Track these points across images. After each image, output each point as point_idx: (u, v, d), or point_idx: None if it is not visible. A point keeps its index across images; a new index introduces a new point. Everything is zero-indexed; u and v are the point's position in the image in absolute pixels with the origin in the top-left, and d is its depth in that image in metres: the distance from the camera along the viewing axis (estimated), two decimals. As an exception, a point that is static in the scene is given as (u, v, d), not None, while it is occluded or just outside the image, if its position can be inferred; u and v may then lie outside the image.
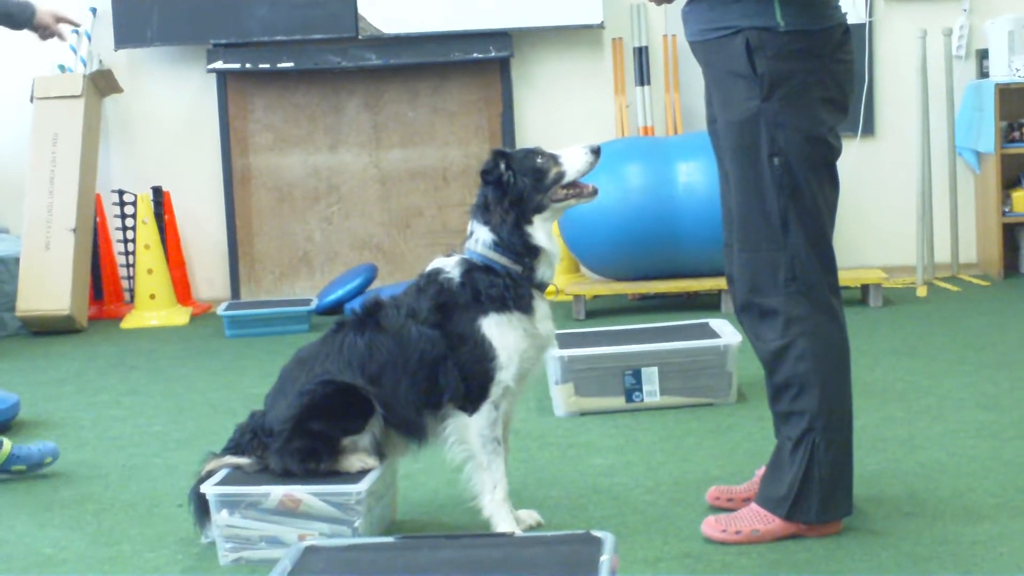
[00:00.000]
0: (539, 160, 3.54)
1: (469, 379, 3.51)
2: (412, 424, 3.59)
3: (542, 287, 3.58)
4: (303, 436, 3.53)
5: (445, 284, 3.55)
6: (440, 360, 3.52)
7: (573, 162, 3.55)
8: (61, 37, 5.17)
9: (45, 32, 5.06)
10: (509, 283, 3.50)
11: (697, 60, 3.52)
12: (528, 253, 3.52)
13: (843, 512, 3.48)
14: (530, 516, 3.71)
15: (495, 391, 3.53)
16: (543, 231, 3.54)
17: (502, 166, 3.53)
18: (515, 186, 3.50)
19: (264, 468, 3.60)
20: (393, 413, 3.56)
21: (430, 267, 3.63)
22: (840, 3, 3.45)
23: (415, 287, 3.61)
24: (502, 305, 3.50)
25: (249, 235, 8.37)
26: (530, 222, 3.52)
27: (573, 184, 3.56)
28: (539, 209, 3.53)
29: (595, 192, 3.61)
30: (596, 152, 3.56)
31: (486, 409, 3.53)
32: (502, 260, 3.51)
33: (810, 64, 3.33)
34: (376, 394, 3.53)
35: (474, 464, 3.56)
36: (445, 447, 3.60)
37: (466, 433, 3.54)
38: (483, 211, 3.56)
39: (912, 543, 3.39)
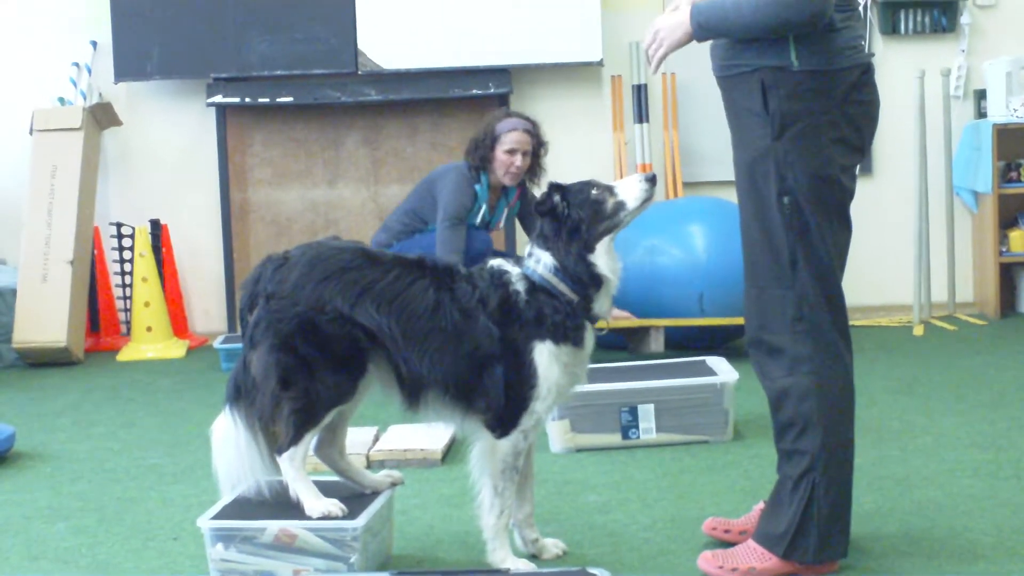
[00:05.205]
0: (595, 192, 3.53)
1: (506, 398, 3.48)
2: (416, 398, 3.52)
3: (594, 320, 3.56)
4: (290, 355, 3.48)
5: (512, 293, 3.51)
6: (490, 361, 3.47)
7: (630, 192, 3.53)
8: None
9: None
10: (568, 311, 3.49)
11: (721, 93, 3.53)
12: (591, 283, 3.51)
13: (839, 554, 3.47)
14: (555, 545, 3.74)
15: (527, 420, 3.51)
16: (605, 255, 3.51)
17: (556, 198, 3.53)
18: (570, 218, 3.50)
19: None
20: (411, 374, 3.48)
21: (492, 266, 3.57)
22: (863, 43, 3.45)
23: (487, 281, 3.53)
24: (561, 335, 3.48)
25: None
26: (592, 250, 3.50)
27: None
28: (602, 235, 3.51)
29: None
30: (651, 180, 3.54)
31: (515, 437, 3.51)
32: (561, 287, 3.50)
33: (823, 104, 3.32)
34: (403, 356, 3.46)
35: (488, 486, 3.54)
36: (468, 465, 3.60)
37: (490, 457, 3.52)
38: (543, 240, 3.55)
39: (909, 583, 3.39)
